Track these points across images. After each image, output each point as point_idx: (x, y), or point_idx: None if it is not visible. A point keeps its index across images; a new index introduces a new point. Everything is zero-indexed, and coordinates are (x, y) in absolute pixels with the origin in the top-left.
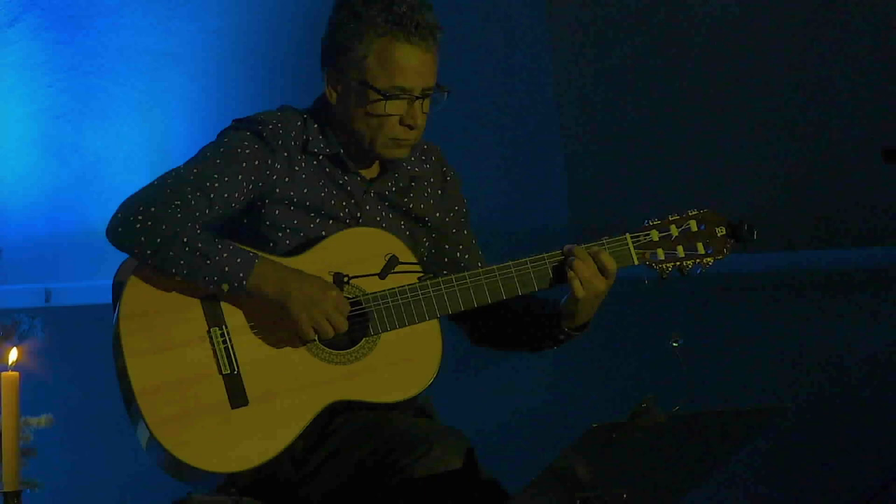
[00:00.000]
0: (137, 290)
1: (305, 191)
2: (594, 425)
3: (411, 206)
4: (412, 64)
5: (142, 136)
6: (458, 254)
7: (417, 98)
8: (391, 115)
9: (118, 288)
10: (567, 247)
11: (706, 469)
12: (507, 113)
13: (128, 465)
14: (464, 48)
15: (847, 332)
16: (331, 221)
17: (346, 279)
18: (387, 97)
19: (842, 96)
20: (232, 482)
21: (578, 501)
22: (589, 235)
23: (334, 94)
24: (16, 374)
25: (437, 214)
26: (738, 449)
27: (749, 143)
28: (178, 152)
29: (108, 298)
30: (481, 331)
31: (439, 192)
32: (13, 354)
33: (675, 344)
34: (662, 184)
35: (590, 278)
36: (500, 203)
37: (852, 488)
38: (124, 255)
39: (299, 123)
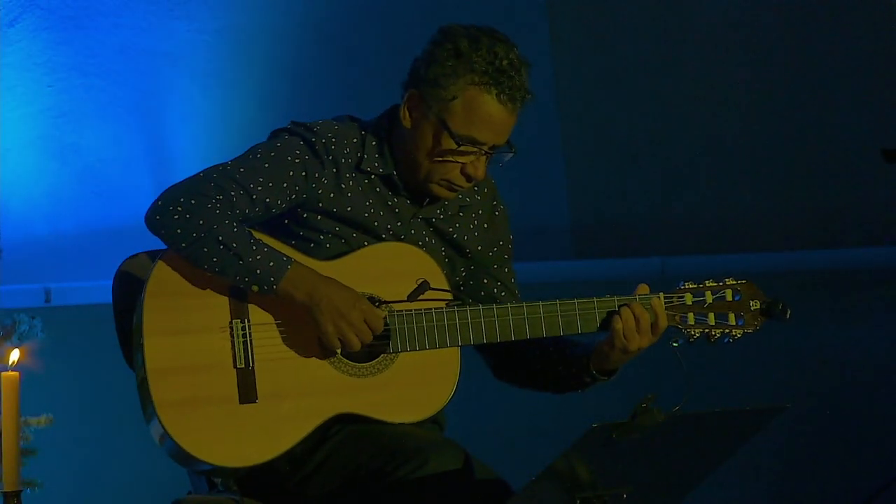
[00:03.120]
0: (168, 268)
1: (350, 208)
2: (594, 425)
3: (455, 235)
4: (495, 122)
5: (142, 136)
6: (496, 290)
7: (485, 154)
8: (456, 162)
9: (122, 278)
10: (627, 298)
11: (706, 469)
12: None
13: (128, 465)
14: None
15: (847, 332)
16: (373, 238)
17: (378, 303)
18: (459, 146)
19: (842, 96)
20: (229, 473)
21: (578, 501)
22: (590, 234)
23: (409, 118)
24: (16, 374)
25: (480, 248)
26: (738, 449)
27: (749, 144)
28: (178, 152)
29: (109, 299)
30: (507, 365)
31: (485, 225)
32: (14, 355)
33: (675, 344)
34: (663, 184)
35: (638, 332)
36: None
37: (852, 488)
38: (125, 255)
39: (356, 140)
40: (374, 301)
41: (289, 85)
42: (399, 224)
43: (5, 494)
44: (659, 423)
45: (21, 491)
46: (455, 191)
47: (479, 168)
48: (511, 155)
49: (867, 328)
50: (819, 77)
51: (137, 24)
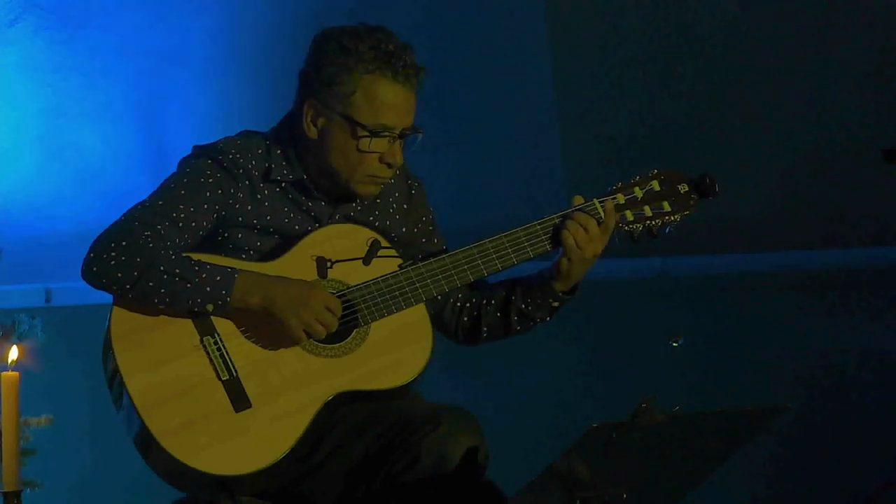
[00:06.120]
0: (124, 310)
1: (269, 217)
2: (594, 425)
3: (377, 224)
4: (398, 103)
5: (142, 136)
6: None
7: (398, 137)
8: (373, 152)
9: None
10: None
11: (706, 469)
12: (508, 113)
13: (128, 465)
14: (464, 48)
15: (848, 332)
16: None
17: (329, 264)
18: (373, 134)
19: (842, 96)
20: (242, 488)
21: (578, 501)
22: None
23: (314, 129)
24: (16, 374)
25: (404, 229)
26: (738, 449)
27: (750, 144)
28: (178, 152)
29: (109, 298)
30: (468, 326)
31: (405, 206)
32: (13, 353)
33: (675, 344)
34: None
35: (590, 238)
36: (499, 203)
37: (852, 488)
38: None
39: (260, 151)
40: (327, 262)
41: (289, 85)
42: (318, 226)
43: (5, 494)
44: (659, 423)
45: (21, 491)
46: (380, 184)
47: (396, 154)
48: (419, 138)
49: (867, 328)
50: (819, 77)
51: (138, 23)
